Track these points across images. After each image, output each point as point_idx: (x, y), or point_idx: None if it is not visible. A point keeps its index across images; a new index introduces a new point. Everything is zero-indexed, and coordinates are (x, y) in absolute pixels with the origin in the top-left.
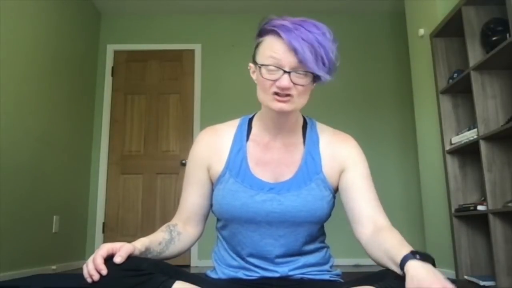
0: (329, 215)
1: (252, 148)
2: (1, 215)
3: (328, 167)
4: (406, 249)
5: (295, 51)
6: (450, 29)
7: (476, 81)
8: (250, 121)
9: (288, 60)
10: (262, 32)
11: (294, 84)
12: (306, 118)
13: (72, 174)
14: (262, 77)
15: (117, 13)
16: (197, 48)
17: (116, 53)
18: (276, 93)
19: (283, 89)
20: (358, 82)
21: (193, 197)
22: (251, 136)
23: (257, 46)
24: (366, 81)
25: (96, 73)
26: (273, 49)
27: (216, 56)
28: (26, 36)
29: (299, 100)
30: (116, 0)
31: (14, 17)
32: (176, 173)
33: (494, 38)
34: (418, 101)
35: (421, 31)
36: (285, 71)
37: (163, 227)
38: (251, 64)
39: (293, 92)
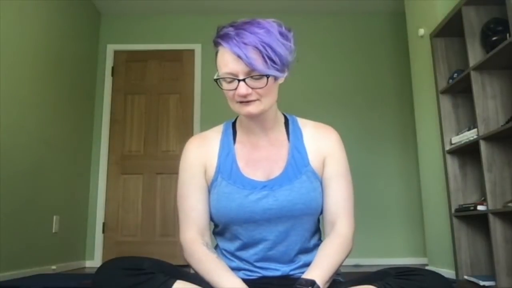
0: (322, 206)
1: (240, 150)
2: (1, 215)
3: (314, 159)
4: (312, 271)
5: (240, 57)
6: (450, 29)
7: (476, 81)
8: (234, 124)
9: (238, 67)
10: (215, 45)
11: (253, 88)
12: (286, 115)
13: (72, 174)
14: (223, 88)
15: (117, 13)
16: (197, 48)
17: (116, 53)
18: (239, 101)
19: (242, 96)
20: (358, 82)
21: (202, 204)
22: (237, 138)
23: (215, 59)
24: (366, 81)
25: (96, 73)
26: (223, 61)
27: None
28: (26, 36)
29: (266, 101)
30: (116, 0)
31: (13, 17)
32: (176, 173)
33: (494, 38)
34: (418, 101)
35: (421, 31)
36: (239, 80)
37: (214, 254)
38: None
39: (255, 96)
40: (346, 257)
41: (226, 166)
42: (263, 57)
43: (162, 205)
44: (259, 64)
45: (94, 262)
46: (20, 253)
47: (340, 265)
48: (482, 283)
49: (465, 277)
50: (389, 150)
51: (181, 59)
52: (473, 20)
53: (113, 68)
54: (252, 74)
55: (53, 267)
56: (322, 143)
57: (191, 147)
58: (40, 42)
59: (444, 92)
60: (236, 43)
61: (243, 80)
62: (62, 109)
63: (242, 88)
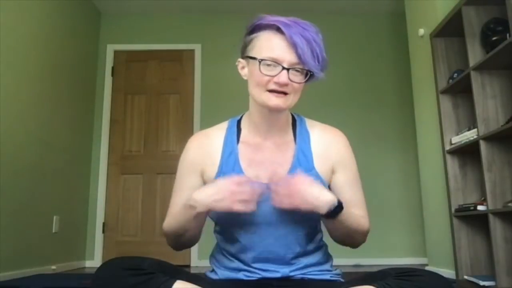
0: None
1: (244, 150)
2: (1, 215)
3: (320, 163)
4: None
5: (295, 46)
6: (450, 29)
7: (476, 81)
8: (239, 123)
9: (288, 56)
10: (256, 28)
11: (291, 81)
12: (294, 115)
13: (72, 174)
14: (261, 72)
15: (117, 13)
16: (197, 48)
17: (116, 53)
18: (272, 90)
19: (281, 85)
20: (358, 82)
21: None
22: (241, 138)
23: (249, 41)
24: (366, 81)
25: (96, 73)
26: (272, 45)
27: (216, 56)
28: (26, 36)
29: (293, 98)
30: (116, 0)
31: (14, 17)
32: (176, 173)
33: (494, 38)
34: (418, 101)
35: (421, 31)
36: (284, 67)
37: None
38: (240, 60)
39: (289, 89)
40: (358, 230)
41: (228, 166)
42: (312, 53)
43: (162, 205)
44: (310, 58)
45: (94, 262)
46: (20, 253)
47: (352, 225)
48: (482, 283)
49: (465, 277)
50: (389, 150)
51: (181, 59)
52: (473, 20)
53: (113, 68)
54: (296, 66)
55: (53, 267)
56: (330, 148)
57: (192, 146)
58: (40, 42)
59: (444, 92)
60: (295, 32)
61: (288, 69)
62: (62, 109)
63: (284, 77)
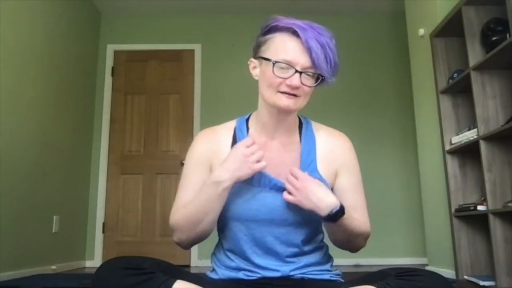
0: None
1: None
2: (1, 215)
3: (324, 166)
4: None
5: (310, 50)
6: (450, 29)
7: (476, 81)
8: (247, 122)
9: (302, 59)
10: (272, 30)
11: (302, 84)
12: (301, 117)
13: (72, 174)
14: (274, 74)
15: (117, 13)
16: (197, 48)
17: (116, 53)
18: (283, 92)
19: (293, 88)
20: (358, 82)
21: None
22: (249, 137)
23: (264, 42)
24: (366, 81)
25: (96, 73)
26: (286, 47)
27: (216, 56)
28: (26, 36)
29: (303, 101)
30: (116, 0)
31: (13, 17)
32: (176, 173)
33: (494, 38)
34: (418, 101)
35: (421, 31)
36: (296, 71)
37: None
38: (253, 60)
39: (300, 92)
40: (359, 236)
41: None
42: (325, 58)
43: (162, 205)
44: (323, 63)
45: (94, 262)
46: (20, 253)
47: (352, 231)
48: (482, 283)
49: (465, 277)
50: (389, 150)
51: (181, 59)
52: (473, 20)
53: (113, 68)
54: (308, 70)
55: (53, 267)
56: (334, 151)
57: (200, 142)
58: (40, 42)
59: (444, 92)
60: (311, 36)
61: (300, 72)
62: (62, 109)
63: (296, 80)
